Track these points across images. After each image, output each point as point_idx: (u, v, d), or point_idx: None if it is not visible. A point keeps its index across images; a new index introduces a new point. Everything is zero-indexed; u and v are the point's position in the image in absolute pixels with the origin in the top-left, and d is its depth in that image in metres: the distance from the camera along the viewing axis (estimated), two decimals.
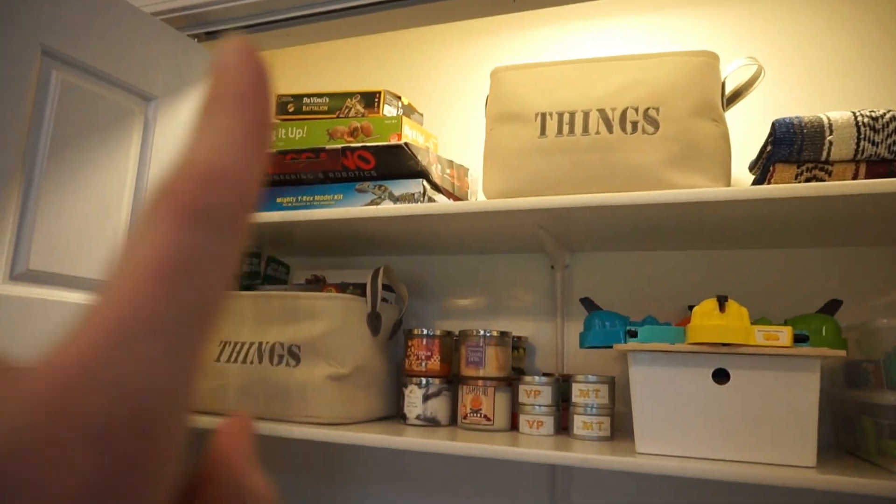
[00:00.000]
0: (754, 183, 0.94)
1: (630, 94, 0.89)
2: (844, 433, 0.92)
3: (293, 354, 1.00)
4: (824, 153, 0.79)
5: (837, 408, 0.95)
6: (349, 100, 1.14)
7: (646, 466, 0.76)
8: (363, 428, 0.96)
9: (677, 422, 0.79)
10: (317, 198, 1.07)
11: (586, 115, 0.90)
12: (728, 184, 0.89)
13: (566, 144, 0.91)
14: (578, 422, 0.93)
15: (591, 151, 0.89)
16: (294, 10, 1.18)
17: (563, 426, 1.02)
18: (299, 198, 1.08)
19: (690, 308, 0.93)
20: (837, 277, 1.03)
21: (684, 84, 0.87)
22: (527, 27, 1.31)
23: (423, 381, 1.03)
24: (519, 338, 1.14)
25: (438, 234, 1.10)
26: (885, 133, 0.77)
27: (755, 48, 1.14)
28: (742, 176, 1.09)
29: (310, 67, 1.49)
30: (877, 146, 0.77)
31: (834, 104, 1.07)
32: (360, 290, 1.13)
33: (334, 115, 1.14)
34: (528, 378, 0.97)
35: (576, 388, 0.94)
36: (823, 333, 0.86)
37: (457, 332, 1.10)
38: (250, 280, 1.17)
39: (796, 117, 0.81)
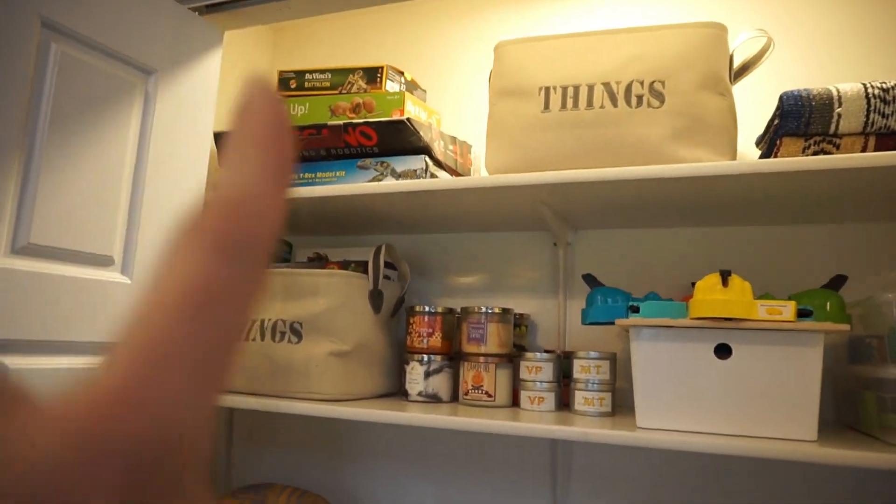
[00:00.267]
0: (761, 157, 0.93)
1: (635, 67, 0.88)
2: (846, 408, 0.92)
3: (295, 331, 1.00)
4: (833, 126, 0.78)
5: (840, 383, 0.95)
6: (351, 75, 1.12)
7: (646, 441, 0.76)
8: (365, 404, 0.96)
9: (678, 397, 0.79)
10: (319, 175, 1.06)
11: (591, 88, 0.89)
12: (734, 158, 0.88)
13: (570, 119, 0.90)
14: (579, 397, 0.93)
15: (595, 126, 0.88)
16: None
17: (564, 402, 1.02)
18: (301, 175, 1.07)
19: (694, 284, 0.92)
20: (843, 253, 1.02)
21: (691, 57, 0.86)
22: (532, 0, 1.29)
23: (425, 357, 1.03)
24: (521, 315, 1.14)
25: (441, 212, 1.09)
26: None
27: (764, 19, 1.12)
28: (749, 152, 1.08)
29: (312, 43, 1.48)
30: (887, 118, 0.76)
31: (846, 76, 1.06)
32: (362, 267, 1.13)
33: (336, 91, 1.13)
34: (529, 354, 0.98)
35: (577, 365, 0.94)
36: (828, 309, 0.86)
37: (459, 310, 1.10)
38: None
39: (805, 90, 0.80)
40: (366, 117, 1.08)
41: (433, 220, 1.16)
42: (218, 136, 1.12)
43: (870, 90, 0.77)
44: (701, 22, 0.87)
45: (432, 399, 1.03)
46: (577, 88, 0.90)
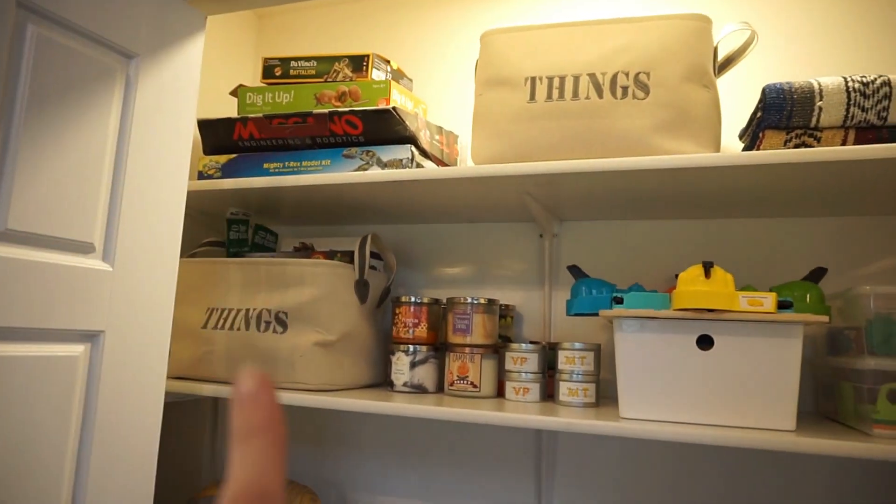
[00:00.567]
0: (744, 150, 0.93)
1: (621, 59, 0.88)
2: (824, 399, 0.93)
3: (280, 321, 1.00)
4: (814, 119, 0.79)
5: (819, 375, 0.96)
6: (337, 63, 1.12)
7: (629, 430, 0.77)
8: (351, 394, 0.96)
9: (661, 387, 0.80)
10: (304, 163, 1.05)
11: (576, 79, 0.89)
12: (718, 151, 0.89)
13: (555, 110, 0.90)
14: (564, 388, 0.94)
15: (580, 117, 0.88)
16: None
17: (548, 393, 1.03)
18: (286, 163, 1.06)
19: (677, 276, 0.93)
20: (823, 246, 1.03)
21: (676, 48, 0.86)
22: None
23: (411, 348, 1.03)
24: (507, 306, 1.14)
25: (427, 202, 1.09)
26: (875, 99, 0.76)
27: (748, 13, 1.12)
28: (733, 145, 1.09)
29: (296, 30, 1.46)
30: (866, 112, 0.77)
31: (829, 69, 1.07)
32: (347, 257, 1.13)
33: (322, 80, 1.12)
34: (514, 345, 0.98)
35: (562, 356, 0.94)
36: (807, 300, 0.87)
37: (444, 300, 1.10)
38: (238, 248, 1.17)
39: (787, 83, 0.80)
40: (351, 106, 1.08)
41: (419, 210, 1.16)
42: (200, 124, 1.11)
43: (850, 84, 0.78)
44: (686, 14, 0.88)
45: (418, 389, 1.03)
46: (562, 79, 0.90)
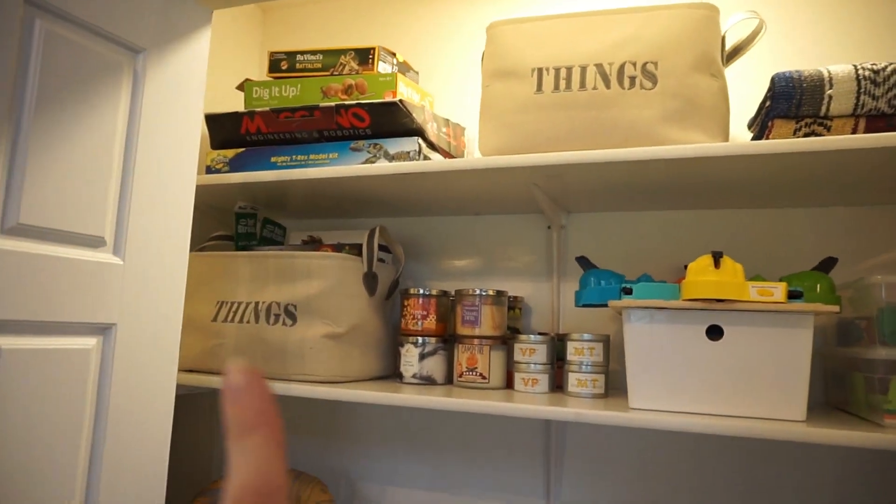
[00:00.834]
0: (753, 140, 0.93)
1: (629, 49, 0.87)
2: (835, 390, 0.93)
3: (289, 314, 1.01)
4: (823, 108, 0.78)
5: (829, 365, 0.96)
6: (343, 57, 1.11)
7: (638, 421, 0.77)
8: (360, 386, 0.97)
9: (670, 378, 0.80)
10: (311, 157, 1.06)
11: (583, 70, 0.89)
12: (726, 140, 0.88)
13: (563, 100, 0.89)
14: (573, 379, 0.94)
15: (587, 108, 0.88)
16: None
17: (557, 384, 1.03)
18: (294, 157, 1.07)
19: (686, 267, 0.93)
20: (834, 236, 1.02)
21: (684, 38, 0.86)
22: None
23: (420, 340, 1.04)
24: (515, 298, 1.14)
25: (434, 195, 1.09)
26: (886, 87, 0.76)
27: (755, 1, 1.11)
28: (742, 134, 1.08)
29: (302, 24, 1.46)
30: (877, 100, 0.76)
31: (838, 58, 1.05)
32: (356, 250, 1.13)
33: (328, 73, 1.12)
34: (523, 336, 0.98)
35: (571, 347, 0.94)
36: (818, 290, 0.86)
37: (453, 292, 1.10)
38: (246, 241, 1.17)
39: (796, 71, 0.80)
40: (358, 99, 1.08)
41: (427, 202, 1.16)
42: (208, 118, 1.11)
43: (860, 72, 0.77)
44: (693, 3, 0.87)
45: (427, 381, 1.03)
46: (569, 70, 0.89)
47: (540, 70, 0.91)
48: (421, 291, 1.06)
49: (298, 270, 1.01)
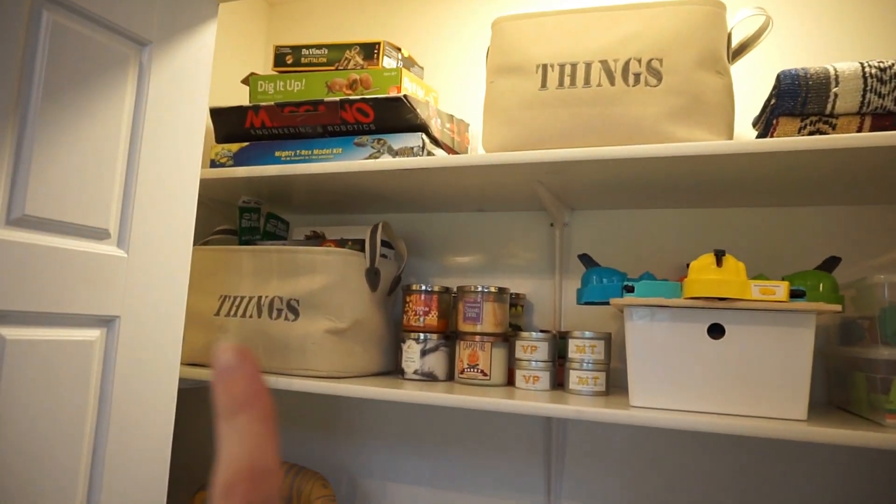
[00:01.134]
0: (758, 138, 0.92)
1: (633, 45, 0.87)
2: (837, 389, 0.93)
3: (292, 308, 1.01)
4: (829, 106, 0.78)
5: (831, 365, 0.96)
6: (348, 51, 1.11)
7: (639, 419, 0.77)
8: (362, 381, 0.97)
9: (671, 376, 0.80)
10: (315, 151, 1.06)
11: (588, 66, 0.88)
12: (731, 138, 0.88)
13: (567, 97, 0.89)
14: (574, 377, 0.94)
15: (592, 104, 0.88)
16: None
17: (558, 382, 1.03)
18: (297, 151, 1.07)
19: (689, 265, 0.93)
20: (837, 235, 1.02)
21: (689, 34, 0.85)
22: None
23: (421, 336, 1.04)
24: (517, 295, 1.14)
25: (437, 190, 1.09)
26: (893, 84, 0.75)
27: None
28: (747, 132, 1.08)
29: (307, 18, 1.46)
30: (883, 98, 0.76)
31: (845, 55, 1.05)
32: (358, 245, 1.13)
33: (333, 68, 1.12)
34: (524, 334, 0.98)
35: (572, 344, 0.94)
36: (820, 290, 0.86)
37: (455, 289, 1.10)
38: (250, 236, 1.17)
39: (802, 69, 0.79)
40: (362, 94, 1.08)
41: (430, 198, 1.16)
42: (213, 112, 1.11)
43: (867, 69, 0.77)
44: None
45: (428, 377, 1.03)
46: (574, 66, 0.89)
47: (545, 66, 0.91)
48: (423, 288, 1.06)
49: (301, 265, 1.01)
